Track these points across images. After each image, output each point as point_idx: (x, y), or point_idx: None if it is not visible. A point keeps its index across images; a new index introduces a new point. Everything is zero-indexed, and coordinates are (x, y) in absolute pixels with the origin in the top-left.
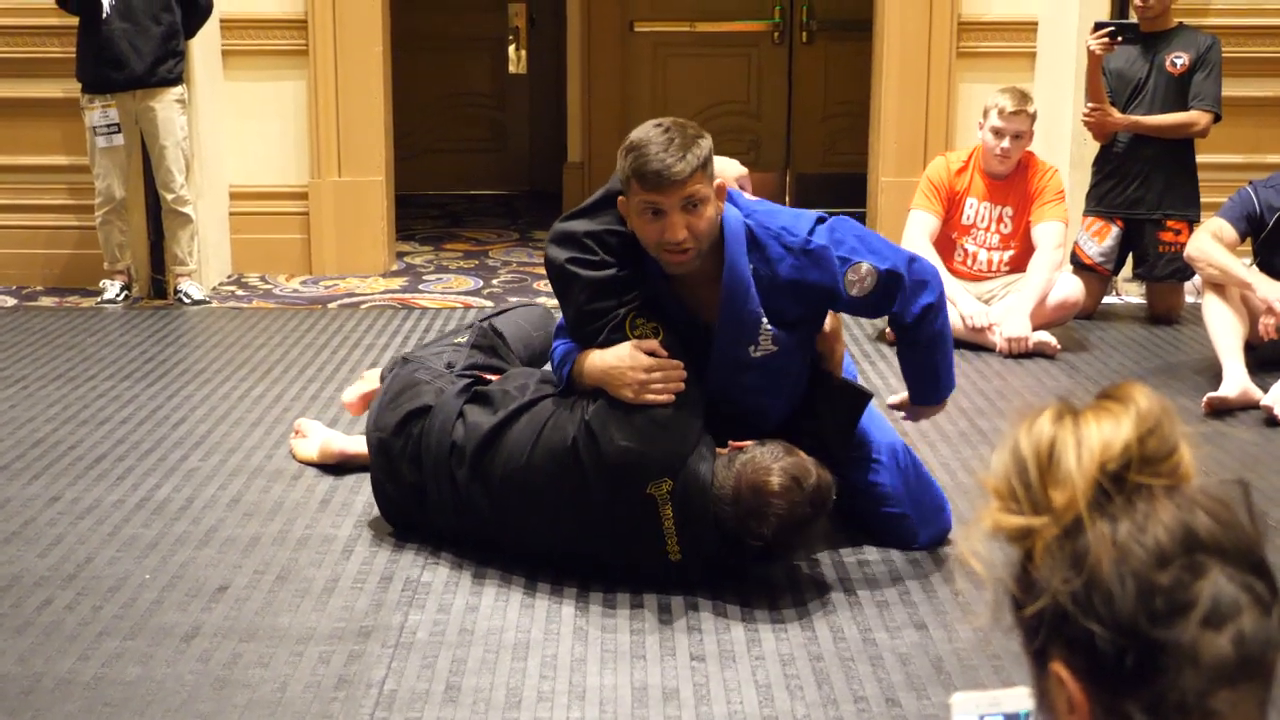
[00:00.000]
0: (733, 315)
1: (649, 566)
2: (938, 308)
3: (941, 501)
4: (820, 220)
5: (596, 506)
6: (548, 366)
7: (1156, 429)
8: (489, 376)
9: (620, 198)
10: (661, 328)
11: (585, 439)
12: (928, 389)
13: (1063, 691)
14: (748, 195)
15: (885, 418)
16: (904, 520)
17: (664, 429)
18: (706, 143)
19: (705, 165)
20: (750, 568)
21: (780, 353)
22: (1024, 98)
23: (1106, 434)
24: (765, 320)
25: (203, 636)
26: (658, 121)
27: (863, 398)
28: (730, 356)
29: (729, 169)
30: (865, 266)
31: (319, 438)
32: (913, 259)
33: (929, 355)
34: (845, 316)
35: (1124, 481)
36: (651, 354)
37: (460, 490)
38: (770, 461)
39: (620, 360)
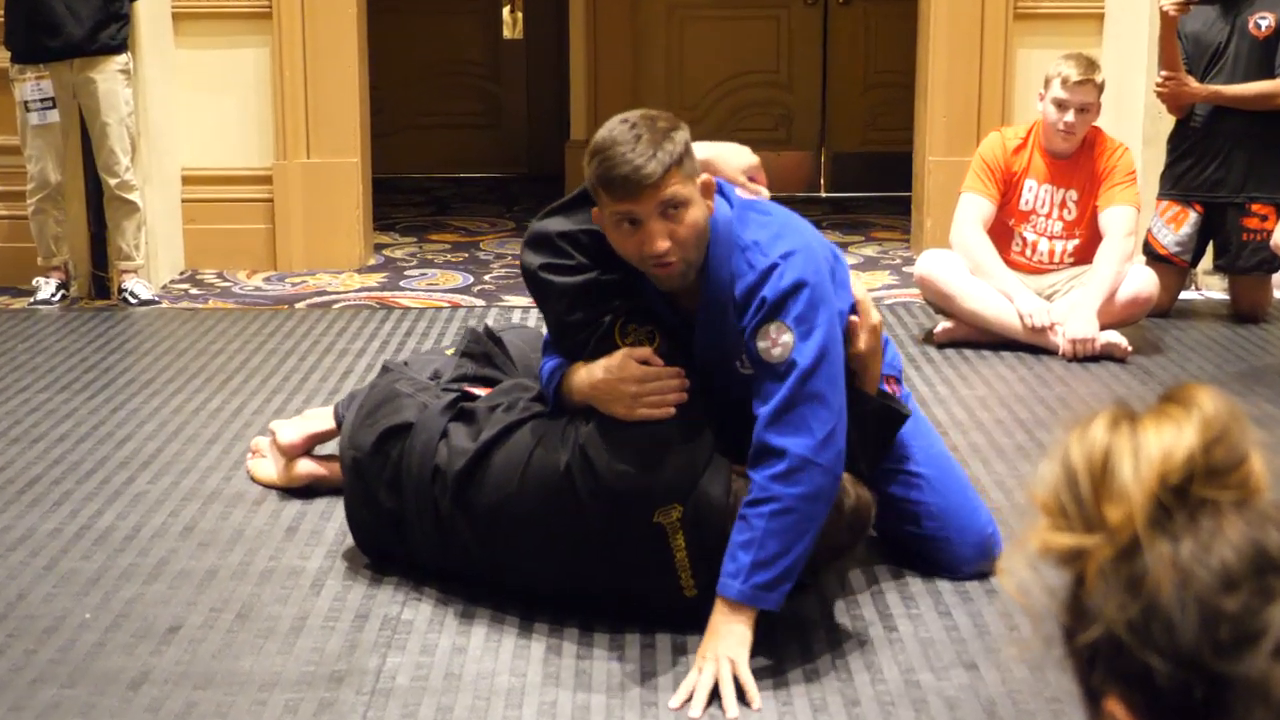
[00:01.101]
0: (710, 327)
1: (660, 605)
2: (802, 472)
3: (988, 523)
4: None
5: (596, 540)
6: None
7: (1224, 436)
8: (479, 391)
9: (594, 208)
10: (657, 333)
11: (580, 465)
12: (755, 565)
13: None
14: (763, 192)
15: (931, 426)
16: (945, 543)
17: (669, 448)
18: (682, 135)
19: (681, 162)
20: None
21: None
22: (1091, 65)
23: (1167, 442)
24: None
25: (152, 683)
26: (624, 117)
27: (897, 419)
28: (719, 369)
29: (736, 159)
30: (788, 339)
31: (298, 429)
32: (827, 437)
33: (774, 524)
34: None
35: (1187, 495)
36: (646, 363)
37: (444, 520)
38: None
39: (609, 373)
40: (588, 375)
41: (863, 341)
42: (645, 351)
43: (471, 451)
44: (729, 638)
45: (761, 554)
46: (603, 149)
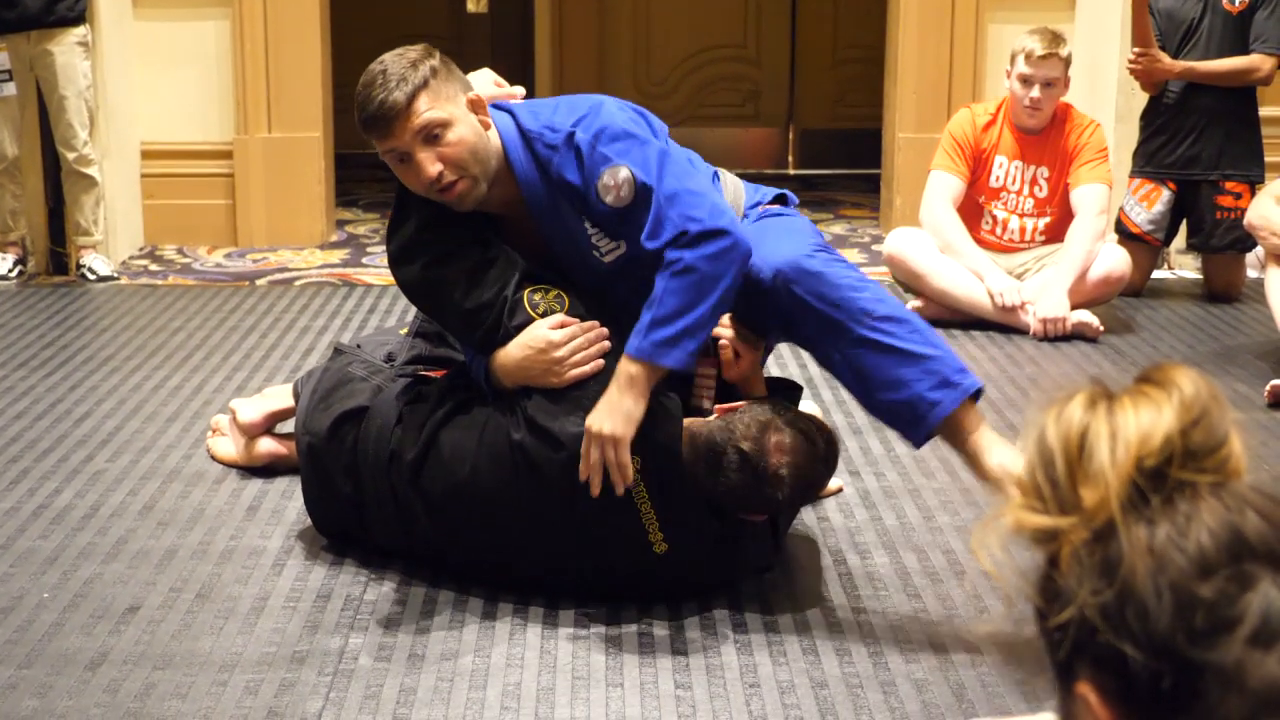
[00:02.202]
0: (547, 224)
1: (630, 568)
2: (703, 238)
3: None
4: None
5: (561, 510)
6: None
7: (1202, 418)
8: (434, 373)
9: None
10: (564, 293)
11: (533, 437)
12: (653, 322)
13: (1089, 716)
14: (516, 91)
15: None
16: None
17: None
18: (429, 62)
19: (427, 85)
20: (743, 580)
21: (631, 249)
22: (1055, 39)
23: (1145, 424)
24: (584, 219)
25: (110, 664)
26: (378, 59)
27: (796, 391)
28: (579, 267)
29: (480, 81)
30: (624, 173)
31: (258, 408)
32: (691, 208)
33: (673, 282)
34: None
35: (1164, 478)
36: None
37: (403, 505)
38: (781, 421)
39: (529, 347)
40: (509, 358)
41: (742, 367)
42: (558, 318)
43: (426, 433)
44: (617, 413)
45: (660, 310)
46: (358, 97)
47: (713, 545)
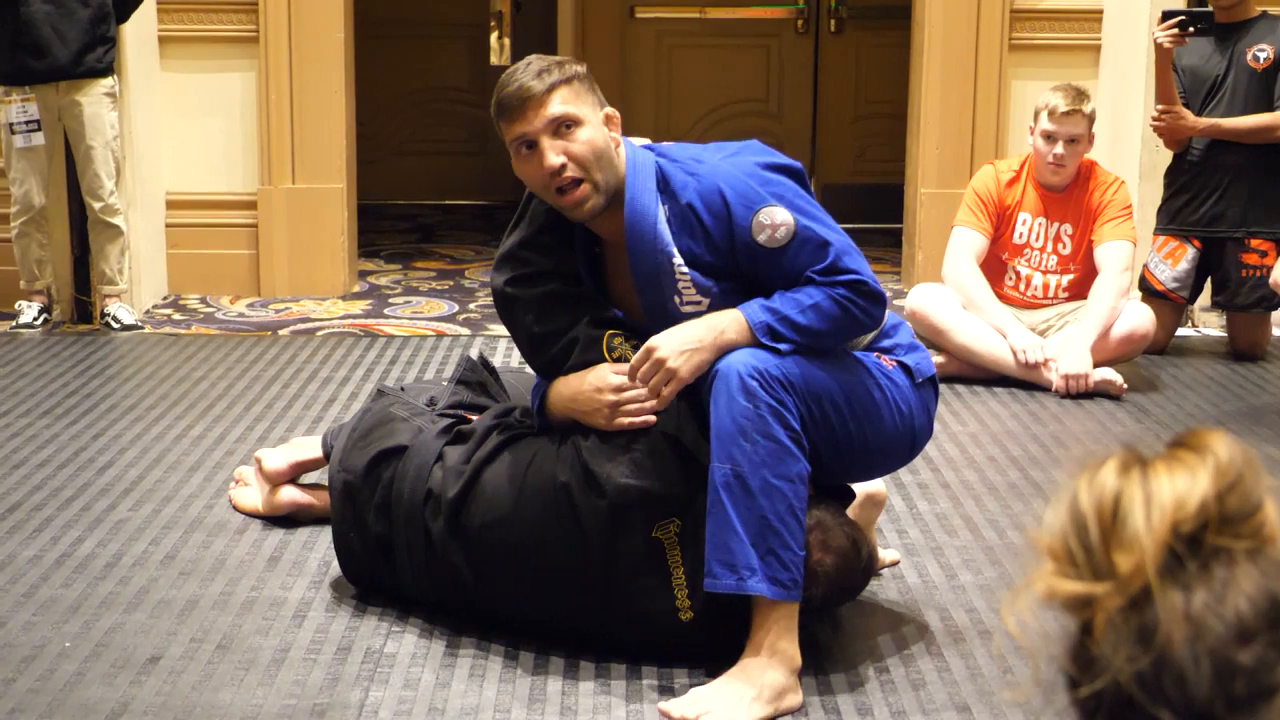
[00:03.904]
0: (641, 255)
1: (654, 631)
2: (877, 307)
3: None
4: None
5: (595, 558)
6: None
7: (1238, 483)
8: (474, 417)
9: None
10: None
11: (580, 480)
12: (783, 304)
13: None
14: None
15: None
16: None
17: (668, 462)
18: (576, 67)
19: (569, 82)
20: None
21: (714, 307)
22: (1079, 95)
23: (1180, 489)
24: (677, 257)
25: (131, 714)
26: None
27: (847, 495)
28: (661, 311)
29: None
30: (783, 214)
31: (284, 456)
32: (856, 263)
33: (825, 301)
34: None
35: (1200, 544)
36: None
37: (434, 545)
38: (831, 521)
39: (586, 384)
40: (566, 388)
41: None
42: (625, 366)
43: (469, 469)
44: (694, 356)
45: (796, 304)
46: (498, 84)
47: (737, 624)
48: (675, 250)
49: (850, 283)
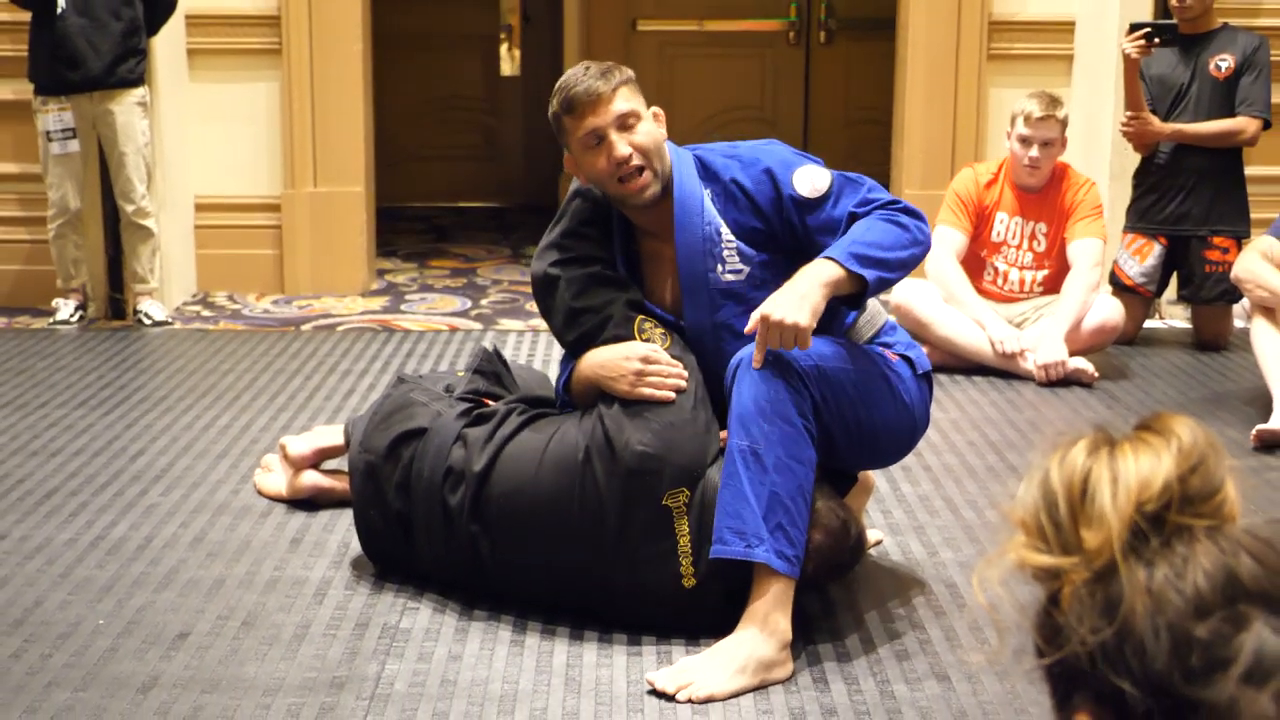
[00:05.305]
0: (689, 231)
1: (658, 597)
2: (916, 218)
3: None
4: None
5: (608, 523)
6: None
7: (1200, 465)
8: (490, 403)
9: (567, 157)
10: (670, 335)
11: (600, 445)
12: (852, 240)
13: None
14: None
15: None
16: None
17: (684, 434)
18: (629, 71)
19: (629, 83)
20: None
21: (752, 276)
22: (1053, 102)
23: (1145, 470)
24: (724, 227)
25: (161, 687)
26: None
27: (848, 481)
28: (700, 285)
29: None
30: (819, 169)
31: (308, 442)
32: (888, 193)
33: (877, 222)
34: None
35: (1163, 522)
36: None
37: (451, 519)
38: (825, 503)
39: (615, 351)
40: (596, 355)
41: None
42: (653, 346)
43: (491, 448)
44: (804, 303)
45: (860, 235)
46: (562, 86)
47: (736, 596)
48: (722, 222)
49: (891, 202)
